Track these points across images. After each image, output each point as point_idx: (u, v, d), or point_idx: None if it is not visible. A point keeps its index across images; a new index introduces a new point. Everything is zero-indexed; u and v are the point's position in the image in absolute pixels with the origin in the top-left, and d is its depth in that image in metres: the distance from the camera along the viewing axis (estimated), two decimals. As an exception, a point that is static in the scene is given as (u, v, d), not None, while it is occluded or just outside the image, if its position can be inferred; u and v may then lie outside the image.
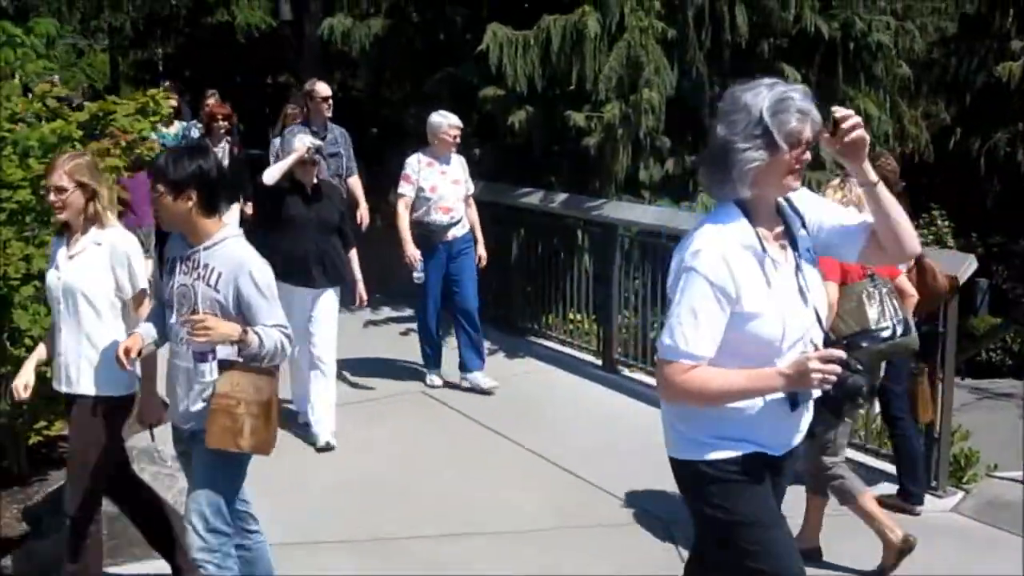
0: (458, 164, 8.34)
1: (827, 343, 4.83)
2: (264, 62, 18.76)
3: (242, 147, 11.04)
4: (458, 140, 8.24)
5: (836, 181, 5.63)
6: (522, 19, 10.30)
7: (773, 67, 10.67)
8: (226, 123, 10.85)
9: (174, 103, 11.99)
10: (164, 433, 5.83)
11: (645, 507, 6.22)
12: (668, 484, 6.27)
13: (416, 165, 8.15)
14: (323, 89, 8.94)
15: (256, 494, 6.15)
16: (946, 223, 21.25)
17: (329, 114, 8.99)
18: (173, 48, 20.63)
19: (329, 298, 7.18)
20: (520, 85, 9.90)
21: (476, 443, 7.40)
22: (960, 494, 6.49)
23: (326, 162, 8.35)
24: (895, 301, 5.15)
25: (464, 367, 8.39)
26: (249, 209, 10.32)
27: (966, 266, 6.28)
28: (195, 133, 11.50)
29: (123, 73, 24.26)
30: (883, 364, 5.42)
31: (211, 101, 11.49)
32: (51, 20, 8.09)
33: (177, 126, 12.09)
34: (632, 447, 7.07)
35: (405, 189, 8.13)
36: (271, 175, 7.11)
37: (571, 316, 9.75)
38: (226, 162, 10.63)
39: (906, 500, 6.20)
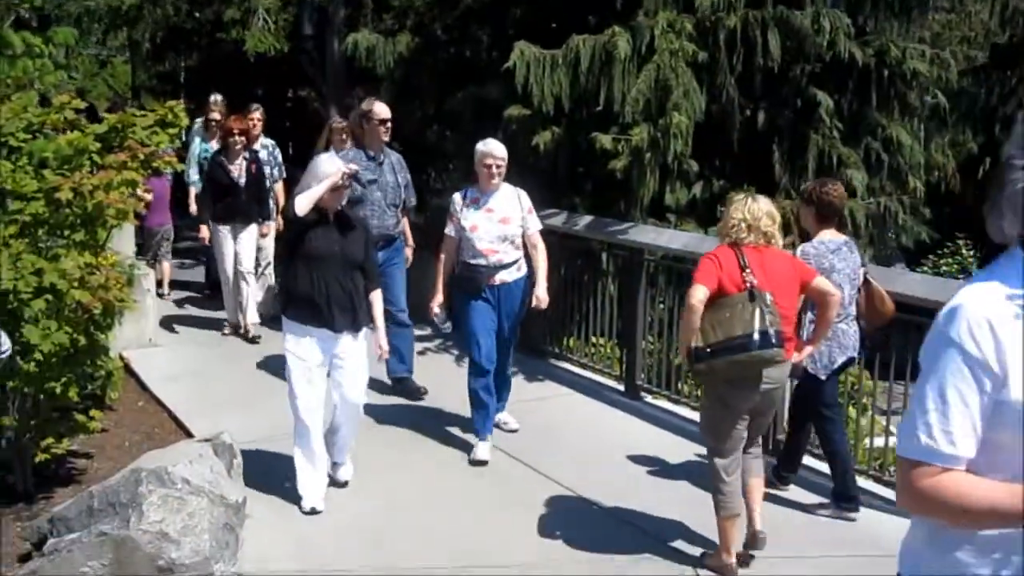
0: (509, 200, 7.46)
1: (697, 351, 5.38)
2: (284, 77, 18.67)
3: (255, 162, 10.41)
4: (497, 171, 7.35)
5: (740, 196, 5.78)
6: (549, 39, 10.16)
7: (805, 93, 10.54)
8: (243, 139, 10.24)
9: (217, 116, 11.58)
10: (175, 454, 5.72)
11: (668, 539, 6.04)
12: (691, 516, 6.15)
13: (459, 202, 7.42)
14: (382, 111, 8.30)
15: (275, 524, 6.03)
16: (971, 253, 21.07)
17: (387, 138, 8.39)
18: (194, 61, 20.57)
19: (353, 344, 6.39)
20: (547, 105, 9.74)
21: (495, 470, 7.18)
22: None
23: (365, 189, 7.91)
24: (771, 316, 5.25)
25: None
26: (267, 229, 10.49)
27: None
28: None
29: (143, 84, 24.23)
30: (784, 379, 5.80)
31: (256, 115, 10.91)
32: (71, 29, 7.96)
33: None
34: (655, 477, 7.02)
35: (448, 229, 7.47)
36: (302, 204, 6.17)
37: (593, 340, 9.56)
38: (243, 180, 10.17)
39: (843, 508, 6.39)
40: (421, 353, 9.75)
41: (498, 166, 7.38)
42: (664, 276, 8.87)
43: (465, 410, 7.71)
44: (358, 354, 6.44)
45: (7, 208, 6.11)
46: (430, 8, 12.72)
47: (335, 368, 6.42)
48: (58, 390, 6.12)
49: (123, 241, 9.67)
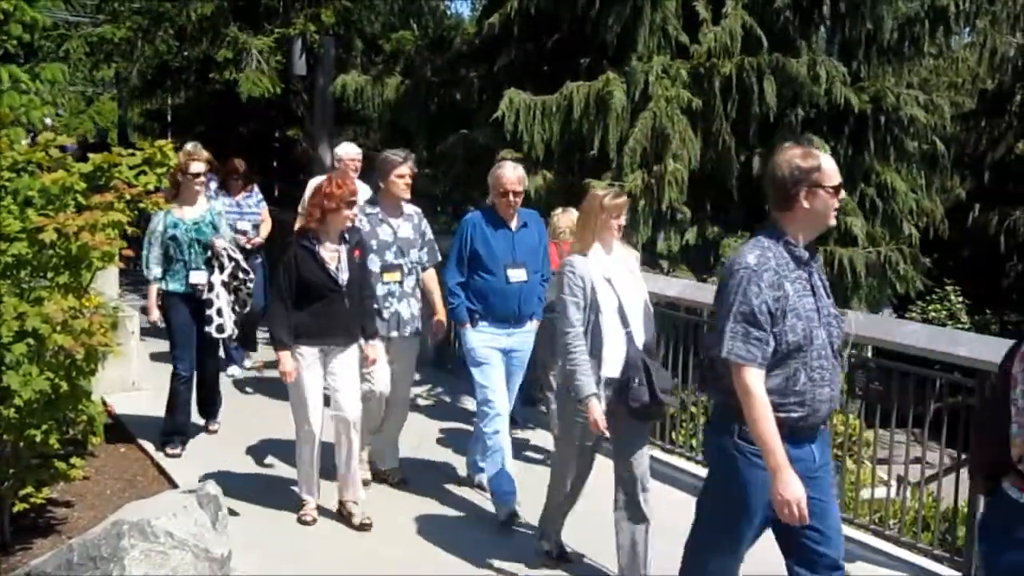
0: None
1: None
2: (273, 117, 18.61)
3: (360, 248, 6.58)
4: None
5: (559, 210, 7.59)
6: (541, 82, 10.10)
7: (801, 139, 10.48)
8: (349, 211, 6.39)
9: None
10: (158, 506, 5.52)
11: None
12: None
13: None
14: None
15: None
16: (959, 299, 21.10)
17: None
18: (181, 99, 20.52)
19: None
20: (537, 151, 9.70)
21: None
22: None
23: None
24: None
25: None
26: (373, 353, 6.61)
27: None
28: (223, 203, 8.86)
29: (131, 121, 24.16)
30: None
31: (407, 171, 7.00)
32: (60, 65, 7.83)
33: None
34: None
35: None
36: None
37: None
38: (344, 278, 6.41)
39: None
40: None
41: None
42: (658, 324, 8.70)
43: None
44: None
45: (-11, 249, 5.94)
46: (420, 51, 12.64)
47: None
48: (38, 437, 5.92)
49: (107, 282, 9.49)
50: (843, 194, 4.22)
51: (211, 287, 7.66)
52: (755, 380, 4.01)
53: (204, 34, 15.88)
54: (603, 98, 9.44)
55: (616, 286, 5.40)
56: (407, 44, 13.01)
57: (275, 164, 19.38)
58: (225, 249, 7.76)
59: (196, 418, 8.28)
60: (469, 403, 9.35)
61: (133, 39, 15.61)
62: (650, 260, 10.22)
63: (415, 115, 11.95)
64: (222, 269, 7.72)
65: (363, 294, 6.57)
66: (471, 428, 8.59)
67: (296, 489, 6.76)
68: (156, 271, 7.74)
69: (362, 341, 6.57)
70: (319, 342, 6.39)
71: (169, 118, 22.43)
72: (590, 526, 6.15)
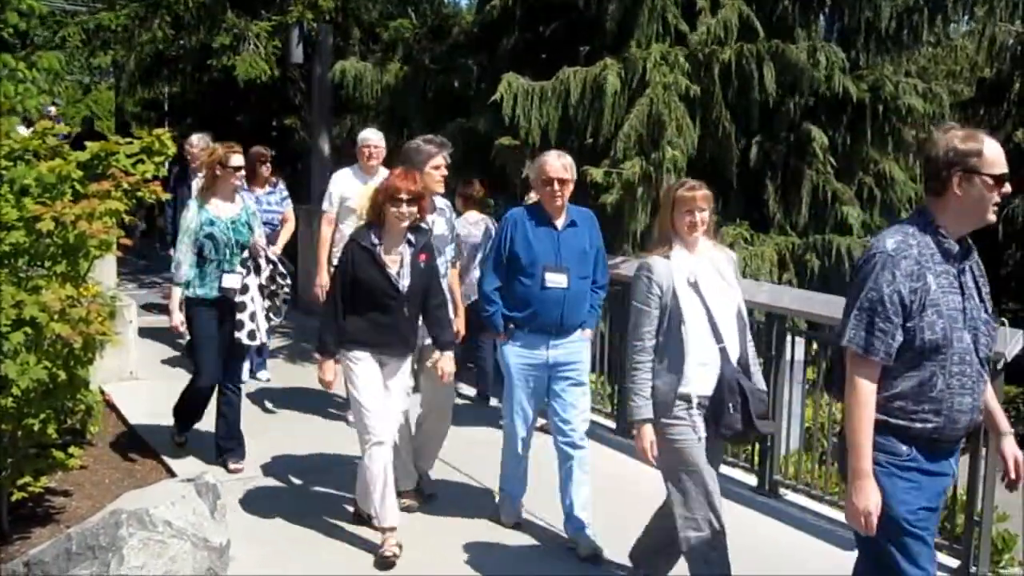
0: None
1: None
2: (269, 105, 18.55)
3: (426, 252, 5.94)
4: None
5: None
6: (540, 69, 10.06)
7: (799, 127, 10.47)
8: (413, 210, 5.76)
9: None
10: (157, 495, 5.52)
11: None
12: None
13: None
14: None
15: (260, 568, 5.75)
16: (958, 288, 21.09)
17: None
18: (179, 88, 20.45)
19: None
20: (533, 136, 9.66)
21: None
22: (1002, 584, 6.11)
23: None
24: None
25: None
26: (449, 366, 6.05)
27: (1014, 342, 5.94)
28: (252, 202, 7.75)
29: (128, 111, 24.09)
30: None
31: (441, 163, 6.45)
32: (56, 54, 7.78)
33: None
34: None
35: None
36: None
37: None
38: (406, 283, 5.82)
39: None
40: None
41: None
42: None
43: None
44: None
45: (-14, 238, 5.92)
46: (419, 39, 12.61)
47: None
48: (36, 427, 5.92)
49: (105, 270, 9.46)
50: (1007, 188, 3.70)
51: (246, 289, 7.07)
52: (867, 378, 3.71)
53: (201, 22, 15.82)
54: (599, 83, 9.43)
55: (704, 292, 4.81)
56: (405, 32, 12.96)
57: (273, 153, 19.32)
58: (264, 250, 7.26)
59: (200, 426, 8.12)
60: (469, 390, 9.37)
61: (131, 26, 15.52)
62: (647, 247, 10.23)
63: (413, 102, 11.91)
64: (259, 272, 7.18)
65: (433, 302, 5.99)
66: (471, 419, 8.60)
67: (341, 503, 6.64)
68: (187, 273, 7.06)
69: (436, 353, 6.06)
70: (372, 351, 5.85)
71: (166, 107, 22.37)
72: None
